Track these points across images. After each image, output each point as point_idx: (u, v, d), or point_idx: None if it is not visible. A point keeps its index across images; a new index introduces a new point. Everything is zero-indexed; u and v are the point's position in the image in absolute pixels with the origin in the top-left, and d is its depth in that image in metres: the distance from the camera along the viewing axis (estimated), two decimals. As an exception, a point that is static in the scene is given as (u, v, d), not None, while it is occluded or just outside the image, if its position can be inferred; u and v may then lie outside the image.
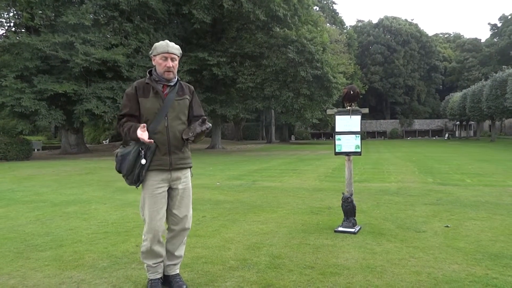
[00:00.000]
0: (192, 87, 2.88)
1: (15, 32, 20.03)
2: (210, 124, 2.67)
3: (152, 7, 19.94)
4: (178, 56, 2.72)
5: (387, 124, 51.48)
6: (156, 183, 2.63)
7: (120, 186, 8.18)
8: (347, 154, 4.46)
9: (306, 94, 22.02)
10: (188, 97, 2.78)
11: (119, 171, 2.65)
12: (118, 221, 4.91)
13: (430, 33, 67.49)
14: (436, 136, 48.10)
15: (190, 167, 2.85)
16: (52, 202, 6.44)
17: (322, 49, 21.70)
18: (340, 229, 4.19)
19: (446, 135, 44.73)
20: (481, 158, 14.85)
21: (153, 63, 2.72)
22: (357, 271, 3.02)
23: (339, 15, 50.65)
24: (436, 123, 50.99)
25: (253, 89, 22.18)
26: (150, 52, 2.74)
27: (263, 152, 22.50)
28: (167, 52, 2.64)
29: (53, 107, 18.27)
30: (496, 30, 53.42)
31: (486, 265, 3.11)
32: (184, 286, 2.72)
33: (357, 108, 4.48)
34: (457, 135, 46.38)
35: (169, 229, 2.80)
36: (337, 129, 4.47)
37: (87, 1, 18.17)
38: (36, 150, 23.34)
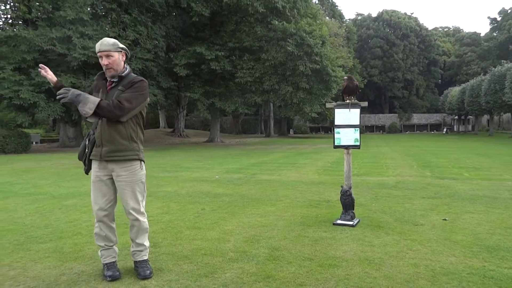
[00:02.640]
0: (137, 79, 2.77)
1: (12, 24, 19.87)
2: (71, 90, 2.55)
3: (150, 0, 19.81)
4: (114, 51, 2.70)
5: (386, 118, 51.50)
6: (94, 171, 2.84)
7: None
8: (346, 147, 4.47)
9: (305, 88, 21.97)
10: (122, 89, 2.72)
11: (79, 159, 2.93)
12: (117, 213, 4.88)
13: (430, 27, 67.50)
14: (435, 131, 48.18)
15: (129, 160, 2.78)
16: (51, 194, 6.45)
17: (321, 42, 21.62)
18: (339, 222, 4.22)
19: (445, 130, 44.80)
20: (479, 152, 14.91)
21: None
22: (355, 263, 3.04)
23: (338, 8, 50.56)
24: (434, 118, 51.05)
25: (252, 83, 22.10)
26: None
27: (262, 146, 22.52)
28: (99, 51, 2.71)
29: (52, 100, 18.20)
30: (495, 24, 53.23)
31: (483, 257, 3.14)
32: (148, 272, 2.82)
33: (356, 101, 4.48)
34: (455, 129, 46.47)
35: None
36: (336, 123, 4.47)
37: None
38: (34, 143, 23.27)
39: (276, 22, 21.13)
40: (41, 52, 17.73)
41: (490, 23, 54.41)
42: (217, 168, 10.46)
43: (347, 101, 4.46)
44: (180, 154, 16.43)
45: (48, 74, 2.68)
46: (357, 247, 3.43)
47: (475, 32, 57.76)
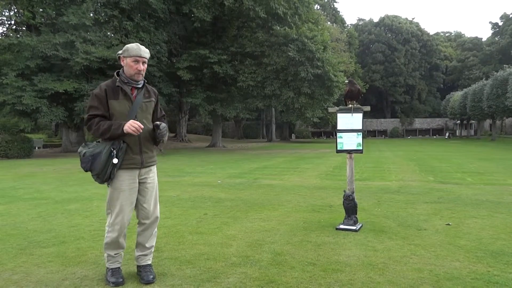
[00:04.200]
0: (156, 91, 3.03)
1: (15, 30, 20.02)
2: (165, 124, 2.87)
3: (153, 6, 19.93)
4: (147, 60, 2.86)
5: (388, 123, 51.45)
6: (127, 180, 2.77)
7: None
8: (349, 152, 4.46)
9: (306, 93, 21.98)
10: (154, 99, 2.93)
11: (89, 170, 2.73)
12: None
13: (431, 31, 67.54)
14: (437, 135, 48.07)
15: (155, 164, 3.01)
16: (54, 199, 6.46)
17: (323, 47, 21.65)
18: (342, 226, 4.20)
19: (447, 134, 44.69)
20: (481, 157, 14.85)
21: (122, 63, 2.80)
22: (358, 268, 3.03)
23: (340, 13, 50.60)
24: (436, 122, 50.97)
25: (254, 88, 22.14)
26: (120, 52, 2.80)
27: (264, 151, 22.51)
28: (140, 55, 2.75)
29: (54, 105, 18.29)
30: (497, 29, 53.33)
31: (487, 262, 3.12)
32: (151, 276, 2.83)
33: (358, 106, 4.48)
34: (457, 134, 46.36)
35: (139, 223, 2.94)
36: (339, 127, 4.47)
37: (88, 0, 18.15)
38: (37, 148, 23.36)
39: (278, 28, 21.20)
40: (44, 58, 17.86)
41: (492, 28, 54.54)
42: (219, 173, 10.46)
43: (350, 105, 4.47)
44: (182, 159, 16.44)
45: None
46: (360, 252, 3.42)
47: (477, 37, 57.87)
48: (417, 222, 4.48)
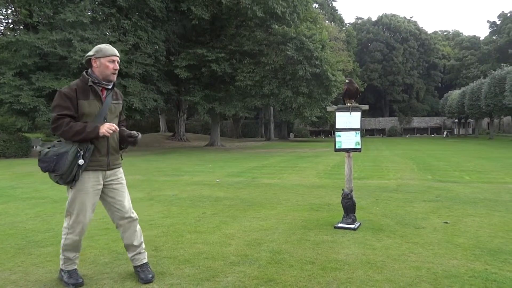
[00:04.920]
0: (122, 94, 3.04)
1: (13, 29, 19.94)
2: (138, 135, 2.92)
3: (150, 5, 19.89)
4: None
5: (386, 122, 51.53)
6: (92, 181, 2.73)
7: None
8: (347, 150, 4.47)
9: (305, 92, 21.99)
10: (121, 102, 2.97)
11: (52, 171, 2.63)
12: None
13: (429, 30, 67.68)
14: (435, 134, 48.18)
15: (121, 166, 2.99)
16: (52, 198, 6.44)
17: (321, 46, 21.65)
18: (340, 225, 4.21)
19: (445, 133, 44.79)
20: (479, 156, 14.90)
21: (94, 64, 2.75)
22: (357, 266, 3.04)
23: (338, 12, 50.77)
24: (434, 121, 51.08)
25: (252, 87, 22.13)
26: (91, 54, 2.76)
27: (262, 150, 22.52)
28: (115, 55, 2.77)
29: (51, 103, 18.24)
30: (495, 28, 53.43)
31: (485, 260, 3.13)
32: (150, 276, 2.82)
33: (357, 104, 4.49)
34: (455, 132, 46.46)
35: (118, 226, 2.90)
36: (337, 126, 4.48)
37: (86, -2, 18.11)
38: (35, 147, 23.30)
39: (276, 27, 21.19)
40: (41, 56, 17.80)
41: (490, 27, 54.64)
42: (217, 172, 10.46)
43: (348, 104, 4.47)
44: (181, 158, 16.43)
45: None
46: (358, 250, 3.43)
47: (475, 35, 57.98)
48: (415, 221, 4.49)
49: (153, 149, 23.92)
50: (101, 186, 2.78)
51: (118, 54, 2.80)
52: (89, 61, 2.78)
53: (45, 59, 18.01)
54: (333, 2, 50.31)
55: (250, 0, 20.09)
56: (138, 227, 2.96)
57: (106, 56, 2.73)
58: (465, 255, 3.27)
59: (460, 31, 69.15)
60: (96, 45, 2.91)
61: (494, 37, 52.34)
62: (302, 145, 28.60)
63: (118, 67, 2.81)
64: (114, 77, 2.80)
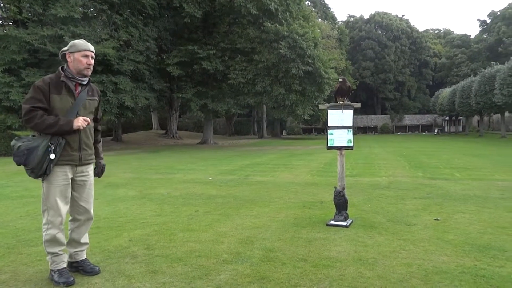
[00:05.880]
0: (99, 91, 3.06)
1: (1, 25, 19.62)
2: (104, 167, 3.12)
3: (142, 1, 19.72)
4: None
5: (378, 119, 51.83)
6: (63, 175, 2.76)
7: (111, 181, 8.12)
8: (339, 148, 4.49)
9: (297, 90, 22.02)
10: (97, 99, 2.97)
11: (23, 164, 2.66)
12: (110, 216, 4.90)
13: (421, 29, 68.19)
14: (426, 131, 48.60)
15: (93, 161, 3.03)
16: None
17: (313, 44, 21.67)
18: (332, 222, 4.24)
19: (436, 130, 45.23)
20: (469, 153, 15.08)
21: (68, 59, 2.78)
22: (349, 263, 3.06)
23: (331, 10, 50.68)
24: (426, 118, 51.50)
25: (245, 84, 22.09)
26: (66, 48, 2.79)
27: (255, 147, 22.52)
28: (88, 50, 2.79)
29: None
30: (485, 26, 53.98)
31: (474, 256, 3.18)
32: (97, 268, 2.90)
33: (349, 102, 4.51)
34: (446, 130, 46.94)
35: (74, 219, 2.93)
36: (329, 124, 4.49)
37: (76, -6, 17.87)
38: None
39: (269, 24, 21.16)
40: (31, 53, 17.55)
41: (480, 25, 55.19)
42: (210, 169, 10.43)
43: (340, 102, 4.49)
44: (173, 155, 16.36)
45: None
46: (350, 247, 3.45)
47: (465, 34, 58.43)
48: (407, 218, 4.53)
49: (145, 146, 23.78)
50: (69, 180, 2.81)
51: (92, 49, 2.82)
52: (64, 56, 2.80)
53: (35, 55, 17.75)
54: (325, 0, 50.38)
55: (244, -2, 20.05)
56: (90, 227, 3.03)
57: (80, 51, 2.75)
58: (455, 251, 3.31)
59: (451, 30, 69.55)
60: (88, 41, 2.91)
61: (484, 36, 52.89)
62: (294, 142, 28.67)
63: (92, 62, 2.82)
64: (89, 72, 2.82)
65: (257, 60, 21.65)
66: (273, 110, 29.57)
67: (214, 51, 21.34)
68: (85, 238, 2.98)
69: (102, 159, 3.11)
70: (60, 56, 2.83)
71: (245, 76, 21.76)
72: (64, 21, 17.24)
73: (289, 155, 15.91)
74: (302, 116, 25.52)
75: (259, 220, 4.52)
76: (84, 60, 2.77)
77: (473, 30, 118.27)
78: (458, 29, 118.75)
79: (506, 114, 31.02)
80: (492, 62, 30.59)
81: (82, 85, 2.82)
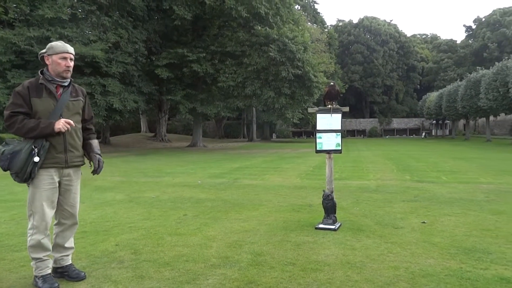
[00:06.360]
0: (84, 90, 3.03)
1: (-13, 25, 19.26)
2: (101, 162, 2.98)
3: (132, 3, 19.59)
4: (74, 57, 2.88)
5: (367, 123, 52.34)
6: (49, 179, 2.71)
7: (98, 185, 8.02)
8: (328, 152, 4.52)
9: (287, 93, 22.11)
10: (82, 99, 2.93)
11: (8, 169, 2.65)
12: (96, 220, 4.83)
13: (408, 33, 69.02)
14: (414, 135, 49.22)
15: (82, 164, 2.98)
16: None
17: (303, 48, 21.80)
18: (321, 226, 4.25)
19: (423, 134, 45.89)
20: (456, 156, 15.31)
21: (47, 62, 2.76)
22: (337, 267, 3.07)
23: (320, 14, 51.02)
24: (413, 122, 52.17)
25: (235, 87, 22.08)
26: (44, 51, 2.77)
27: (245, 150, 22.51)
28: (67, 52, 2.76)
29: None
30: (471, 32, 55.09)
31: (460, 259, 3.22)
32: (83, 273, 2.86)
33: (337, 106, 4.54)
34: (433, 133, 47.63)
35: (58, 223, 2.89)
36: (318, 127, 4.52)
37: (64, -6, 17.67)
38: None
39: (259, 28, 21.23)
40: (17, 54, 17.27)
41: (466, 31, 56.29)
42: (199, 173, 10.39)
43: (329, 106, 4.52)
44: (162, 159, 16.24)
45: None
46: (339, 251, 3.47)
47: (452, 39, 59.55)
48: (394, 221, 4.57)
49: (134, 149, 23.56)
50: (56, 183, 2.76)
51: (71, 51, 2.78)
52: (42, 59, 2.77)
53: (22, 56, 17.47)
54: (315, 5, 50.74)
55: (234, 1, 20.07)
56: (75, 231, 2.99)
57: (57, 53, 2.72)
58: (441, 254, 3.35)
59: (438, 35, 70.92)
60: (75, 43, 2.89)
61: (470, 41, 53.94)
62: (284, 145, 28.74)
63: (71, 64, 2.79)
64: (68, 74, 2.79)
65: (247, 63, 21.68)
66: (262, 113, 29.67)
67: (204, 54, 21.31)
68: (70, 243, 2.94)
69: (98, 154, 2.99)
70: (39, 59, 2.80)
71: (235, 79, 21.76)
72: (51, 22, 17.01)
73: (278, 158, 15.94)
74: (292, 119, 25.62)
75: (248, 224, 4.51)
76: (63, 63, 2.74)
77: (459, 36, 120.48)
78: (444, 34, 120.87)
79: (491, 118, 31.62)
80: (477, 67, 31.16)
81: (63, 86, 2.79)
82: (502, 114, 29.42)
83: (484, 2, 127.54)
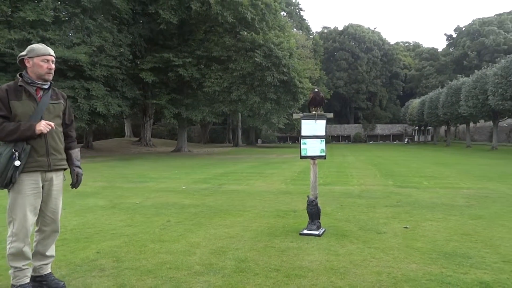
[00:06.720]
0: (65, 94, 2.97)
1: (-34, 26, 18.76)
2: (79, 176, 2.96)
3: (117, 6, 19.42)
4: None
5: (351, 129, 53.01)
6: (31, 183, 2.64)
7: (80, 190, 7.84)
8: (313, 158, 4.54)
9: (273, 99, 22.23)
10: (63, 102, 2.89)
11: None
12: (77, 227, 4.73)
13: (392, 41, 70.49)
14: (397, 141, 50.08)
15: (65, 169, 2.90)
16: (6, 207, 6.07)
17: (289, 54, 21.99)
18: (305, 231, 4.26)
19: (406, 140, 46.77)
20: (437, 162, 15.63)
21: (27, 65, 2.72)
22: (321, 272, 3.08)
23: (306, 21, 51.62)
24: (396, 128, 53.12)
25: (220, 92, 22.08)
26: (24, 53, 2.73)
27: (230, 156, 22.45)
28: (49, 54, 2.74)
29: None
30: (451, 41, 56.62)
31: (441, 263, 3.27)
32: (62, 283, 2.79)
33: (322, 112, 4.58)
34: (416, 139, 48.56)
35: (39, 230, 2.81)
36: (303, 133, 4.54)
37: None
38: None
39: (245, 33, 21.32)
40: (-2, 56, 16.88)
41: (447, 40, 57.85)
42: (184, 178, 10.30)
43: (314, 112, 4.56)
44: (146, 164, 16.05)
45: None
46: (322, 256, 3.48)
47: (433, 47, 61.09)
48: (377, 226, 4.62)
49: (118, 154, 23.22)
50: (40, 188, 2.69)
51: (52, 54, 2.76)
52: (22, 61, 2.72)
53: (2, 59, 17.08)
54: (300, 11, 51.32)
55: (221, 6, 20.12)
56: (56, 239, 2.91)
57: (39, 56, 2.68)
58: (423, 259, 3.40)
59: (420, 43, 72.61)
60: (58, 46, 2.84)
61: (451, 50, 55.40)
62: (269, 151, 28.80)
63: (53, 66, 2.76)
64: (50, 77, 2.75)
65: (233, 68, 21.72)
66: (248, 118, 29.67)
67: (189, 59, 21.26)
68: (51, 251, 2.84)
69: (78, 167, 2.94)
70: (18, 62, 2.74)
71: (220, 84, 21.76)
72: (33, 24, 16.70)
73: (263, 163, 15.95)
74: (277, 124, 25.74)
75: (232, 230, 4.48)
76: (45, 65, 2.70)
77: (440, 44, 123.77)
78: (426, 43, 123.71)
79: (471, 124, 32.45)
80: (458, 75, 32.03)
81: (43, 89, 2.73)
82: (482, 121, 30.23)
83: (464, 12, 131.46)
